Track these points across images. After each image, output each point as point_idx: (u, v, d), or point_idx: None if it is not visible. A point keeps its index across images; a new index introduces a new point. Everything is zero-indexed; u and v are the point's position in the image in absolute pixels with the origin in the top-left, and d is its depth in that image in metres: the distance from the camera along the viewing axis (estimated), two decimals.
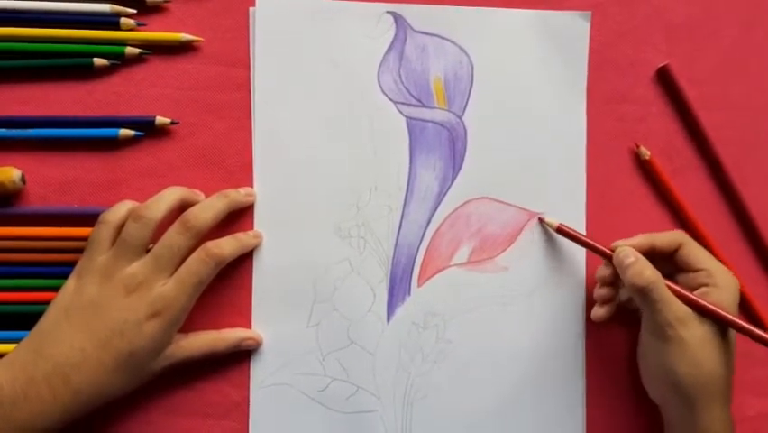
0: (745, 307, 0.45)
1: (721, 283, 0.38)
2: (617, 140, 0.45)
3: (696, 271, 0.39)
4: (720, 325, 0.37)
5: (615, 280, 0.40)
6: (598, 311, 0.41)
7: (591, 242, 0.41)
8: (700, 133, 0.45)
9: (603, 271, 0.41)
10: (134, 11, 0.42)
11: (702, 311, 0.37)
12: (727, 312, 0.37)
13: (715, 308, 0.37)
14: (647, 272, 0.37)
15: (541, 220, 0.43)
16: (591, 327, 0.43)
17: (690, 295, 0.38)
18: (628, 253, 0.39)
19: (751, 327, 0.37)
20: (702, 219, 0.44)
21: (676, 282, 0.39)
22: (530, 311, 0.43)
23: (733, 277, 0.39)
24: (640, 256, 0.39)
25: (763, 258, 0.45)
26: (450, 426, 0.42)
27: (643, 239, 0.40)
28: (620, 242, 0.40)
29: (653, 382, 0.40)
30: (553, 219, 0.43)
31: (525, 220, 0.44)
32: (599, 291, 0.41)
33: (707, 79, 0.45)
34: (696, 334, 0.37)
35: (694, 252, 0.39)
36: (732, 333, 0.38)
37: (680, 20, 0.45)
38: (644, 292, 0.37)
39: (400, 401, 0.42)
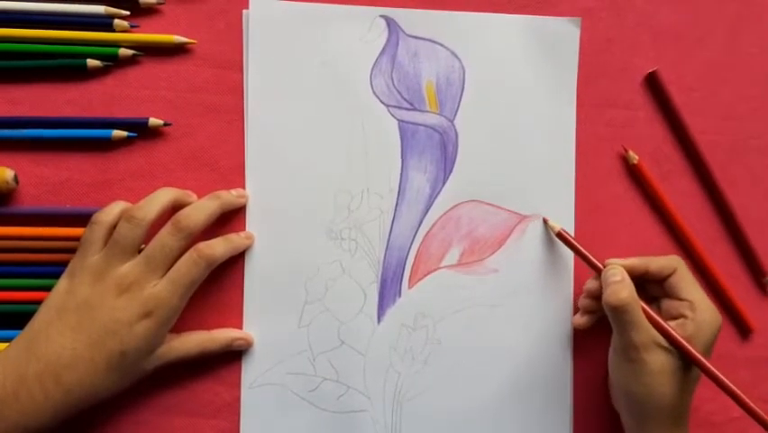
0: (731, 310, 0.45)
1: (701, 318, 0.38)
2: (606, 144, 0.45)
3: (681, 300, 0.39)
4: (685, 358, 0.38)
5: (600, 295, 0.40)
6: (579, 320, 0.42)
7: (587, 253, 0.41)
8: (688, 138, 0.45)
9: (591, 283, 0.41)
10: (128, 12, 0.42)
11: (671, 341, 0.38)
12: (696, 348, 0.37)
13: (683, 342, 0.37)
14: (623, 294, 0.38)
15: (545, 221, 0.44)
16: (579, 329, 0.44)
17: (663, 324, 0.38)
18: (616, 272, 0.39)
19: (713, 369, 0.37)
20: (689, 223, 0.45)
21: (659, 306, 0.40)
22: (518, 313, 0.44)
23: (716, 314, 0.39)
24: (626, 277, 0.39)
25: (749, 261, 0.46)
26: (439, 426, 0.43)
27: (638, 261, 0.40)
28: (615, 260, 0.40)
29: (614, 390, 0.41)
30: (556, 223, 0.43)
31: (514, 223, 0.44)
32: (584, 301, 0.42)
33: (694, 85, 0.46)
34: (657, 360, 0.37)
35: (684, 281, 0.40)
36: (693, 367, 0.38)
37: (668, 26, 0.46)
38: (616, 312, 0.38)
39: (390, 402, 0.43)
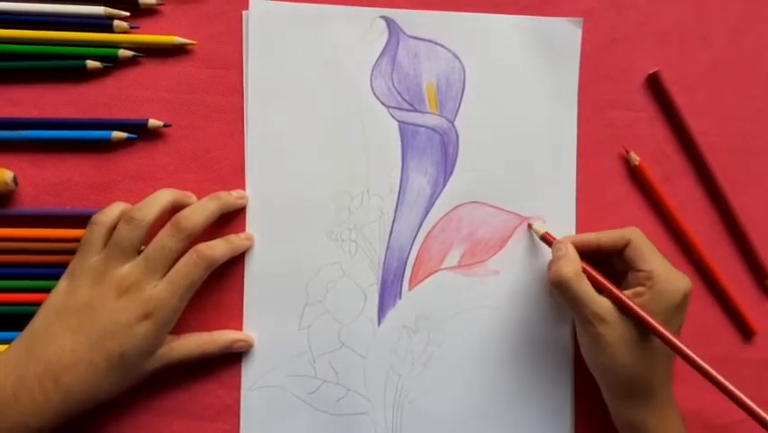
0: (733, 313, 0.45)
1: (658, 287, 0.38)
2: (607, 145, 0.45)
3: (639, 270, 0.39)
4: (644, 328, 0.37)
5: None
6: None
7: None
8: (690, 140, 0.45)
9: None
10: (127, 13, 0.42)
11: (626, 311, 0.37)
12: (654, 315, 0.37)
13: (637, 309, 0.37)
14: (564, 270, 0.38)
15: (529, 226, 0.44)
16: None
17: (618, 293, 0.38)
18: (560, 247, 0.40)
19: (668, 335, 0.36)
20: (691, 224, 0.45)
21: (627, 279, 0.40)
22: (519, 315, 0.43)
23: (678, 282, 0.38)
24: (570, 252, 0.39)
25: (751, 263, 0.46)
26: (439, 428, 0.43)
27: (590, 237, 0.41)
28: (569, 237, 0.41)
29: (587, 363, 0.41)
30: (541, 227, 0.43)
31: (515, 225, 0.44)
32: None
33: (696, 86, 0.46)
34: (613, 332, 0.37)
35: (638, 252, 0.39)
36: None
37: (670, 27, 0.46)
38: (560, 289, 0.38)
39: (390, 404, 0.43)
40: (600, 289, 0.38)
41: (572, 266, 0.38)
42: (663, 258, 0.39)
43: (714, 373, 0.36)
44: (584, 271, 0.39)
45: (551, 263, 0.40)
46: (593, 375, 0.40)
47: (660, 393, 0.38)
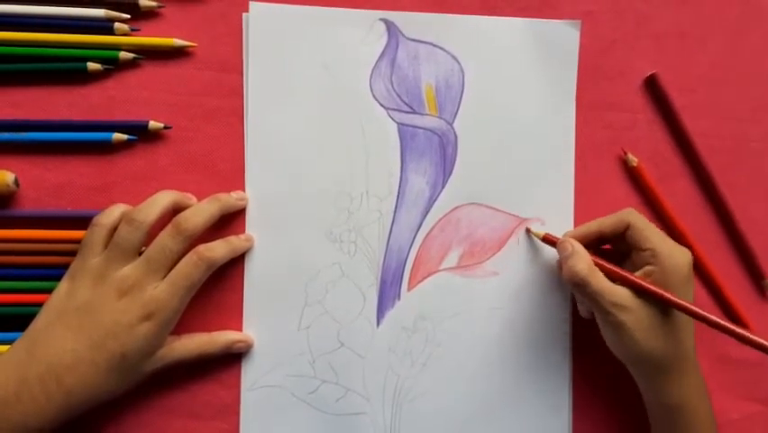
0: (730, 313, 0.45)
1: (665, 262, 0.38)
2: (606, 147, 0.45)
3: (643, 250, 0.39)
4: (661, 304, 0.38)
5: None
6: (584, 313, 0.43)
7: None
8: (687, 141, 0.45)
9: None
10: (128, 16, 0.42)
11: (642, 291, 0.38)
12: (668, 290, 0.38)
13: (652, 287, 0.38)
14: (578, 267, 0.38)
15: (528, 231, 0.44)
16: (578, 330, 0.44)
17: (630, 276, 0.38)
18: (566, 245, 0.40)
19: (685, 303, 0.37)
20: (688, 225, 0.45)
21: (631, 259, 0.40)
22: (518, 315, 0.44)
23: (681, 255, 0.39)
24: (577, 248, 0.39)
25: (749, 264, 0.46)
26: (438, 428, 0.43)
27: (590, 226, 0.41)
28: (570, 231, 0.41)
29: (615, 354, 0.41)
30: (540, 230, 0.43)
31: (513, 226, 0.44)
32: (572, 289, 0.43)
33: (694, 88, 0.46)
34: (636, 317, 0.37)
35: (640, 232, 0.40)
36: (676, 311, 0.38)
37: (668, 29, 0.46)
38: (578, 287, 0.38)
39: (389, 404, 0.43)
40: (614, 277, 0.39)
41: (584, 263, 0.39)
42: (662, 233, 0.40)
43: (741, 330, 0.36)
44: (595, 263, 0.39)
45: (561, 264, 0.40)
46: (624, 366, 0.40)
47: (690, 368, 0.39)
